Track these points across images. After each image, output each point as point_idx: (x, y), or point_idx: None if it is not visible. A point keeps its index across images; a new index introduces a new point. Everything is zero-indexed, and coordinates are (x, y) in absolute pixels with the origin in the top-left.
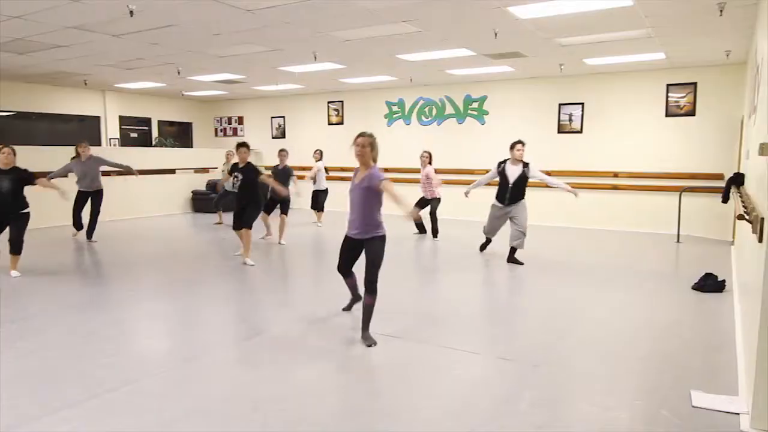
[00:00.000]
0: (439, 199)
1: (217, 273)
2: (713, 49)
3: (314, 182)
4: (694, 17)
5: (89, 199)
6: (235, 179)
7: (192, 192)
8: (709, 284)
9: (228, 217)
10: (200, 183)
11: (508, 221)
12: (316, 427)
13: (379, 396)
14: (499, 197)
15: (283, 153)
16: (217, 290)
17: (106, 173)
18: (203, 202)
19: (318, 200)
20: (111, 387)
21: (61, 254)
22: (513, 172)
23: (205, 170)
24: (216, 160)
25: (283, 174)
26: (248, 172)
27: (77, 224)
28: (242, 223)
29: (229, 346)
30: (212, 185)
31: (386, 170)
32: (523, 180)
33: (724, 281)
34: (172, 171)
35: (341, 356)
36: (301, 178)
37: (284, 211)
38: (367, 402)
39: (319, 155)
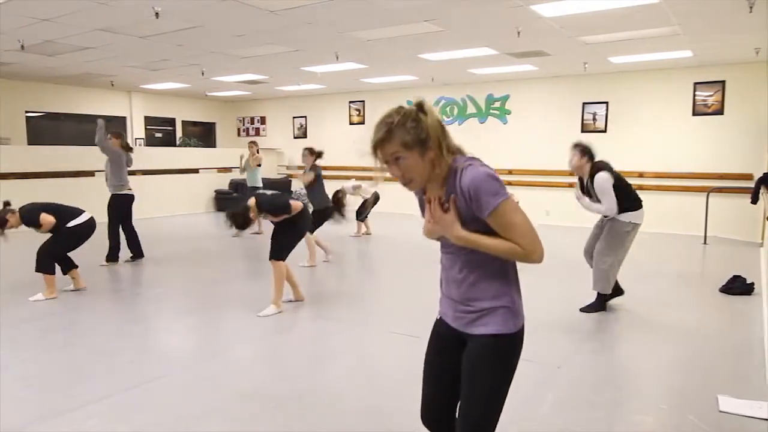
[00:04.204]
0: None
1: (242, 271)
2: (742, 47)
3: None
4: (723, 14)
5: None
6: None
7: (215, 191)
8: (737, 286)
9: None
10: (223, 183)
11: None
12: (337, 426)
13: (399, 395)
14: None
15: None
16: (241, 288)
17: (131, 173)
18: (226, 201)
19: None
20: (135, 383)
21: (86, 251)
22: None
23: (227, 170)
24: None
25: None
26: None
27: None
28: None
29: (252, 344)
30: (235, 185)
31: None
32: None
33: (752, 284)
34: (195, 170)
35: (362, 355)
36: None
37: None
38: (387, 401)
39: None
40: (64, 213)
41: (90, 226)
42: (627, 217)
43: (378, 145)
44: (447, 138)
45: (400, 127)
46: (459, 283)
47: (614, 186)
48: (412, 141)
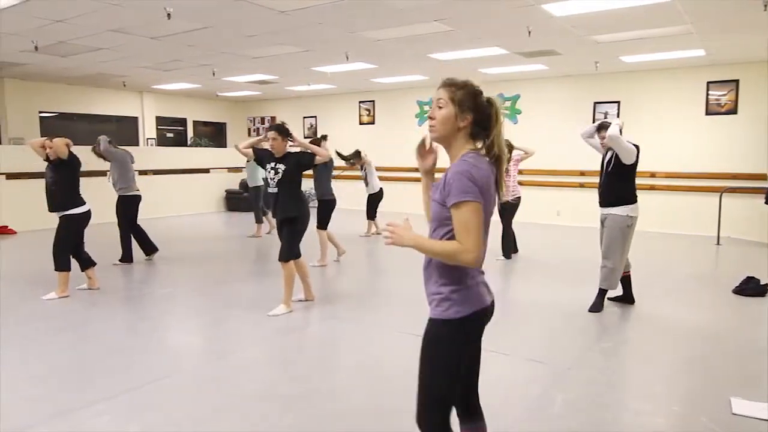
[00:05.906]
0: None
1: (251, 272)
2: (756, 46)
3: (366, 183)
4: (736, 13)
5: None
6: (273, 174)
7: (225, 191)
8: (751, 288)
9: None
10: (234, 182)
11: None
12: (346, 426)
13: (407, 396)
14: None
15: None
16: (251, 288)
17: (143, 172)
18: (236, 201)
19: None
20: (144, 382)
21: (98, 251)
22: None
23: (238, 170)
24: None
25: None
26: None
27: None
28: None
29: (262, 344)
30: (245, 185)
31: (416, 170)
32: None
33: (766, 285)
34: (206, 170)
35: (370, 355)
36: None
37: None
38: (395, 402)
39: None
40: (77, 194)
41: (88, 216)
42: (624, 210)
43: (442, 86)
44: (488, 131)
45: (461, 87)
46: (424, 268)
47: (629, 170)
48: (457, 100)
